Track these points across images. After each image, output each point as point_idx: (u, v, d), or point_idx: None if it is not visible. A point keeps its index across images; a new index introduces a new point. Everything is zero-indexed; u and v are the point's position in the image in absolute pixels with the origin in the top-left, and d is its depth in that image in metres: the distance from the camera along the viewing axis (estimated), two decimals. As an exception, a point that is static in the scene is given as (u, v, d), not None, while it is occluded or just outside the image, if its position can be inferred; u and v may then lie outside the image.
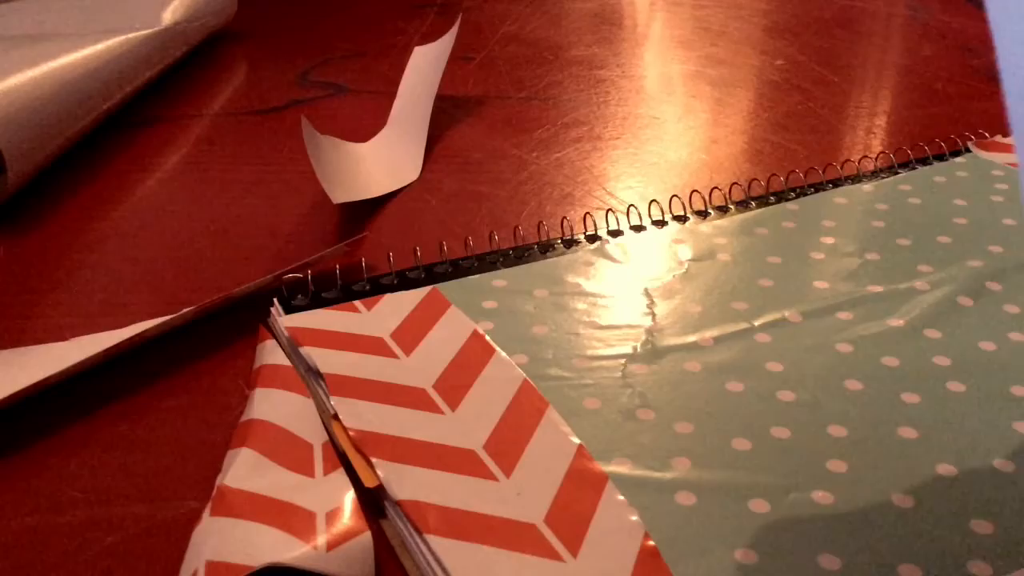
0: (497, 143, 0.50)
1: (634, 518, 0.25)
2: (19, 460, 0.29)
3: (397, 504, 0.25)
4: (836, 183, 0.44)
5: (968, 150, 0.48)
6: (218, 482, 0.26)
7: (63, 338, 0.33)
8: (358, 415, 0.28)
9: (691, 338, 0.32)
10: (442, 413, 0.28)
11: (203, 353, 0.33)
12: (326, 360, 0.30)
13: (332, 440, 0.28)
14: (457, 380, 0.30)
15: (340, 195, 0.41)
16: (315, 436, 0.28)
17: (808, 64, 0.63)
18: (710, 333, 0.33)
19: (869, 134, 0.52)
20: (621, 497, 0.25)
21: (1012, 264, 0.37)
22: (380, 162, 0.47)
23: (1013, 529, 0.24)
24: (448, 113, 0.54)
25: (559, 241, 0.38)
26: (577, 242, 0.38)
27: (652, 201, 0.41)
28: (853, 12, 0.75)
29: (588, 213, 0.41)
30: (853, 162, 0.46)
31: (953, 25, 0.71)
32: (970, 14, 0.74)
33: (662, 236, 0.39)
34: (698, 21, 0.73)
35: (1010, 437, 0.27)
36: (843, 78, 0.61)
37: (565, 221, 0.39)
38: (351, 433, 0.27)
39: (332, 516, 0.25)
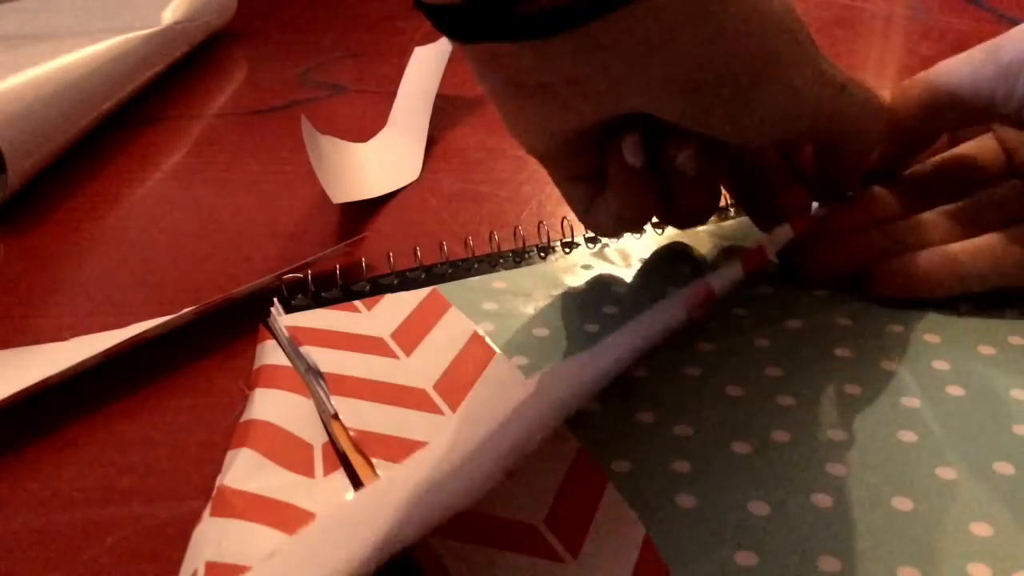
0: (497, 143, 0.50)
1: (634, 518, 0.25)
2: (19, 460, 0.29)
3: (397, 505, 0.25)
4: (836, 184, 0.44)
5: (968, 151, 0.48)
6: (218, 482, 0.26)
7: (63, 338, 0.33)
8: (358, 415, 0.28)
9: (691, 341, 0.32)
10: (442, 414, 0.29)
11: (203, 353, 0.33)
12: (326, 360, 0.30)
13: (332, 440, 0.28)
14: (457, 381, 0.30)
15: (340, 195, 0.41)
16: (315, 436, 0.28)
17: (808, 65, 0.63)
18: (710, 336, 0.33)
19: (869, 135, 0.52)
20: (621, 497, 0.25)
21: (1011, 266, 0.37)
22: (380, 162, 0.47)
23: (1012, 532, 0.24)
24: (448, 113, 0.54)
25: (559, 243, 0.38)
26: (577, 245, 0.38)
27: (652, 202, 0.41)
28: (853, 12, 0.75)
29: (588, 214, 0.41)
30: (853, 163, 0.46)
31: (953, 25, 0.71)
32: (970, 14, 0.74)
33: (661, 239, 0.39)
34: (698, 22, 0.73)
35: (1009, 440, 0.27)
36: (843, 79, 0.61)
37: (565, 221, 0.39)
38: (351, 433, 0.27)
39: (332, 517, 0.25)
